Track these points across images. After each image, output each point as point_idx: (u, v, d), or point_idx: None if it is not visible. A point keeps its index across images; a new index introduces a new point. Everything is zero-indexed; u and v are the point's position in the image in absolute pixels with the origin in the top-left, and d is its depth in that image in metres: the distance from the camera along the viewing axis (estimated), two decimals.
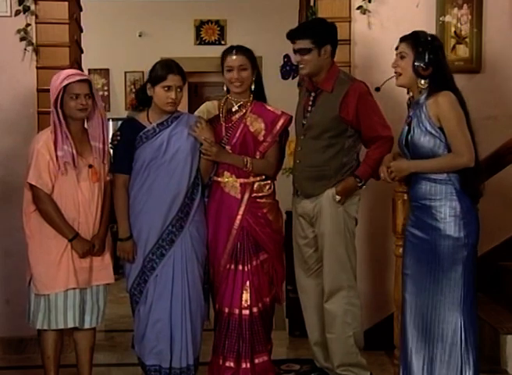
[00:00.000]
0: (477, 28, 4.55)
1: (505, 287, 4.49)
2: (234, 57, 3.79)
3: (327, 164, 3.82)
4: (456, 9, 4.54)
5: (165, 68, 3.70)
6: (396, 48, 3.39)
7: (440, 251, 3.26)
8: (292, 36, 3.86)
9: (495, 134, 4.30)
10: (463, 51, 4.56)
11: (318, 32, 3.81)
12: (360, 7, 4.48)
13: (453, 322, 3.26)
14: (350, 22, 4.50)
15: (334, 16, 4.41)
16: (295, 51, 3.84)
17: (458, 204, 3.25)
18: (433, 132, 3.26)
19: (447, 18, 4.54)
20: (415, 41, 3.32)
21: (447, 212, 3.26)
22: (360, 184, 3.81)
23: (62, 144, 3.51)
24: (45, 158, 3.51)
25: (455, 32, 4.55)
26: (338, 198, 3.78)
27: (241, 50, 3.82)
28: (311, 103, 3.90)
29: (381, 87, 3.71)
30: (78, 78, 3.56)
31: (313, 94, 3.90)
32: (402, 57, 3.35)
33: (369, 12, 4.49)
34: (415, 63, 3.30)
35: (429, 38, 3.33)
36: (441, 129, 3.25)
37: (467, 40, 4.55)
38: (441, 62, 3.32)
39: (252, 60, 3.83)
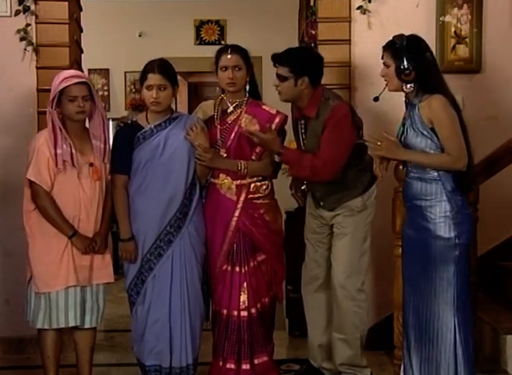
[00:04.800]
0: (477, 28, 4.55)
1: (505, 287, 4.48)
2: (229, 56, 3.75)
3: (341, 179, 3.78)
4: (456, 9, 4.54)
5: (147, 68, 3.71)
6: (382, 57, 3.40)
7: (432, 251, 3.27)
8: (274, 60, 3.79)
9: (495, 134, 4.31)
10: (463, 51, 4.56)
11: (297, 62, 3.73)
12: (360, 7, 4.48)
13: (446, 321, 3.27)
14: (350, 22, 4.49)
15: (334, 16, 4.42)
16: (276, 75, 3.79)
17: (448, 204, 3.26)
18: (425, 133, 3.27)
19: (447, 18, 4.54)
20: (392, 48, 3.33)
21: (437, 213, 3.26)
22: (277, 158, 3.74)
23: (61, 142, 3.53)
24: (45, 155, 3.53)
25: (455, 32, 4.55)
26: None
27: (236, 49, 3.79)
28: (303, 130, 3.88)
29: (379, 97, 3.66)
30: (75, 81, 3.56)
31: (302, 121, 3.88)
32: (386, 66, 3.38)
33: (369, 12, 4.49)
34: (397, 71, 3.30)
35: (405, 43, 3.29)
36: (432, 130, 3.26)
37: (467, 40, 4.55)
38: (424, 64, 3.30)
39: (247, 60, 3.79)
